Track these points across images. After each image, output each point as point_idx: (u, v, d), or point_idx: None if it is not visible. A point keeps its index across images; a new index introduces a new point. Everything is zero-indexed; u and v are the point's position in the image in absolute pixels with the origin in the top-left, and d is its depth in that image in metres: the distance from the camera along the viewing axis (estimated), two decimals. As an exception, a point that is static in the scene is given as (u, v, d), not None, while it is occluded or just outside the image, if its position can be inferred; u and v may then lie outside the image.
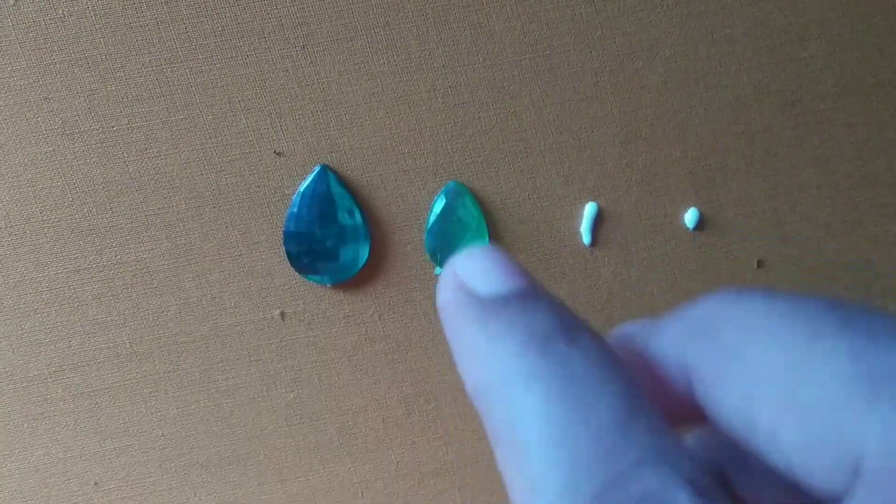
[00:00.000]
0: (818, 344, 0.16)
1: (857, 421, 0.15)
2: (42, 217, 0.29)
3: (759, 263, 0.31)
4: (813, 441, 0.16)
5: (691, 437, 0.21)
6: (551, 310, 0.20)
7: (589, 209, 0.30)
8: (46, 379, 0.30)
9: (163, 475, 0.31)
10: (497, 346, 0.19)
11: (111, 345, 0.30)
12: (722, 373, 0.17)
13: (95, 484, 0.30)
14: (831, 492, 0.16)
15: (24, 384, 0.30)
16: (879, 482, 0.14)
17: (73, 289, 0.29)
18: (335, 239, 0.30)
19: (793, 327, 0.17)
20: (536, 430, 0.17)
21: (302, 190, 0.29)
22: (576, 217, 0.31)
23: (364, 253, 0.30)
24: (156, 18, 0.28)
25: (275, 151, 0.29)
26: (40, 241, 0.29)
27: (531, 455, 0.17)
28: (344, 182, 0.30)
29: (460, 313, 0.21)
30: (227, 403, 0.30)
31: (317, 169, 0.29)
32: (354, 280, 0.30)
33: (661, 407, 0.18)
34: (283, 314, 0.30)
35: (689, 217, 0.31)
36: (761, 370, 0.17)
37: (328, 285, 0.30)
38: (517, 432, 0.17)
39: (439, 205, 0.30)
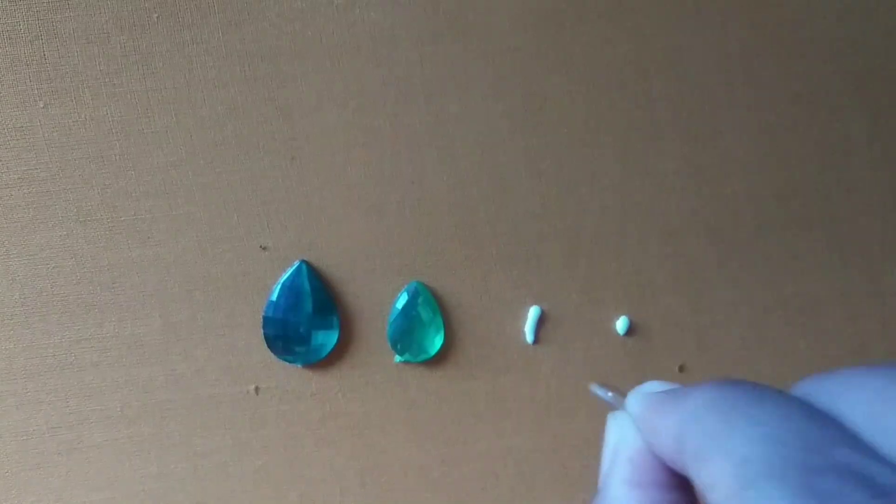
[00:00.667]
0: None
1: None
2: (52, 291, 0.32)
3: (681, 368, 0.34)
4: None
5: None
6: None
7: (533, 312, 0.33)
8: (44, 434, 0.32)
9: (140, 526, 0.33)
10: (687, 398, 0.21)
11: (103, 407, 0.32)
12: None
13: (79, 531, 0.33)
14: None
15: (24, 438, 0.32)
16: None
17: (74, 356, 0.32)
18: (308, 326, 0.32)
19: (875, 378, 0.19)
20: (739, 429, 0.18)
21: (282, 281, 0.32)
22: (521, 318, 0.33)
23: (333, 339, 0.32)
24: (165, 127, 0.31)
25: (261, 246, 0.32)
26: (49, 312, 0.32)
27: (736, 450, 0.18)
28: (319, 276, 0.33)
29: (654, 402, 0.24)
30: (202, 466, 0.32)
31: (296, 264, 0.32)
32: (323, 362, 0.33)
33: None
34: (257, 389, 0.32)
35: (621, 324, 0.33)
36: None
37: (299, 366, 0.33)
38: (718, 440, 0.19)
39: (402, 301, 0.33)
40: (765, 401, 0.20)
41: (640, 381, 0.33)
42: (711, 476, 0.19)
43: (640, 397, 0.25)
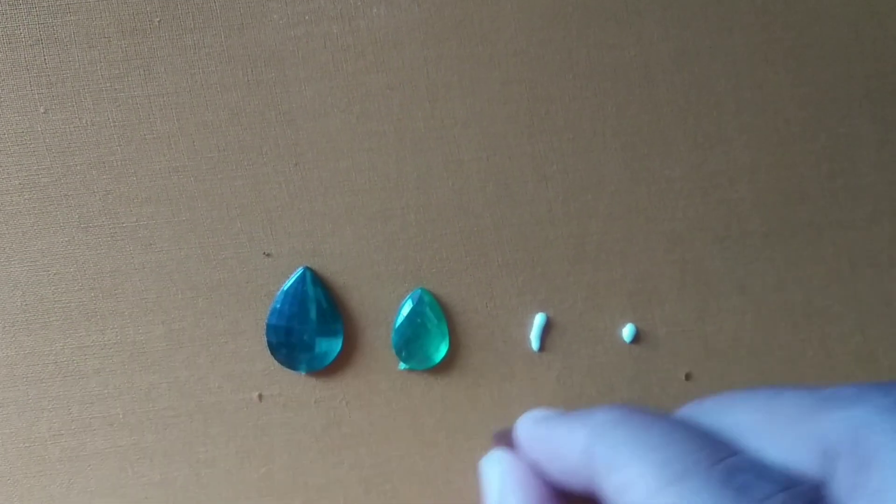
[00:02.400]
0: (780, 396, 0.21)
1: (816, 427, 0.19)
2: (54, 298, 0.30)
3: (687, 376, 0.32)
4: (790, 448, 0.20)
5: None
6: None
7: (538, 319, 0.32)
8: (46, 441, 0.30)
9: (143, 534, 0.31)
10: (592, 416, 0.24)
11: (105, 414, 0.30)
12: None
13: (82, 539, 0.31)
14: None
15: (26, 445, 0.30)
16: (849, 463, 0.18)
17: (76, 363, 0.30)
18: (311, 333, 0.30)
19: (756, 396, 0.22)
20: (650, 439, 0.21)
21: (285, 288, 0.30)
22: (526, 325, 0.32)
23: (336, 347, 0.31)
24: (167, 132, 0.30)
25: (264, 253, 0.31)
26: (51, 319, 0.30)
27: (652, 454, 0.20)
28: (323, 283, 0.31)
29: (547, 425, 0.27)
30: (204, 473, 0.31)
31: (300, 270, 0.31)
32: (327, 370, 0.31)
33: None
34: (260, 396, 0.31)
35: (627, 331, 0.32)
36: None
37: (303, 373, 0.31)
38: (631, 448, 0.21)
39: (406, 308, 0.31)
40: (662, 419, 0.22)
41: (646, 390, 0.32)
42: (627, 479, 0.20)
43: (534, 421, 0.27)
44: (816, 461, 0.19)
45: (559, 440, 0.25)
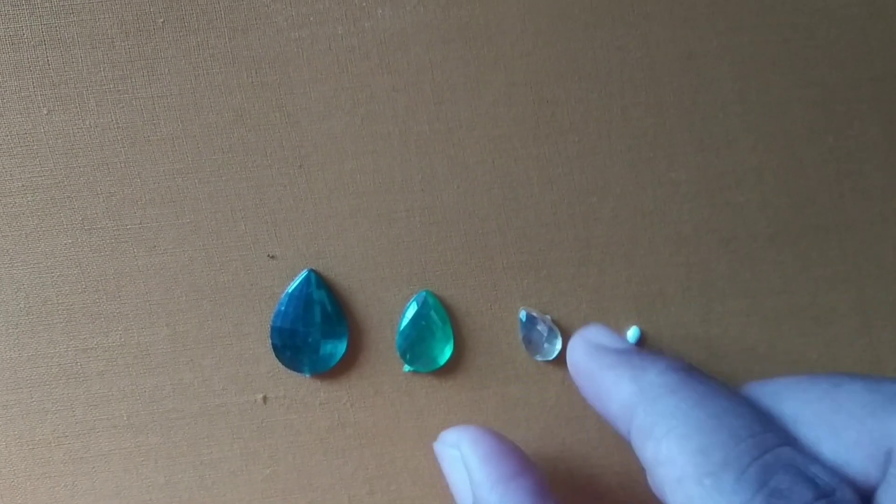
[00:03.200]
0: (841, 387, 0.20)
1: (882, 425, 0.18)
2: (58, 300, 0.30)
3: None
4: (850, 447, 0.19)
5: None
6: (678, 356, 0.24)
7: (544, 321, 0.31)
8: (50, 444, 0.30)
9: (147, 536, 0.31)
10: (645, 372, 0.22)
11: (110, 417, 0.30)
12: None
13: (86, 540, 0.30)
14: (869, 482, 0.19)
15: (30, 448, 0.30)
16: None
17: (80, 365, 0.30)
18: (316, 335, 0.30)
19: (817, 384, 0.21)
20: (697, 419, 0.19)
21: (290, 291, 0.30)
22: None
23: (341, 349, 0.30)
24: (171, 134, 0.29)
25: (268, 255, 0.30)
26: (54, 321, 0.30)
27: (695, 434, 0.19)
28: (328, 285, 0.31)
29: (602, 359, 0.25)
30: (209, 475, 0.30)
31: (304, 273, 0.30)
32: (331, 372, 0.30)
33: None
34: (265, 398, 0.30)
35: (631, 334, 0.31)
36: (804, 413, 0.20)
37: (307, 375, 0.30)
38: (675, 423, 0.20)
39: (411, 311, 0.30)
40: (718, 394, 0.20)
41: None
42: (663, 455, 0.19)
43: (586, 351, 0.25)
44: (876, 462, 0.18)
45: (605, 386, 0.24)
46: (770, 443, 0.19)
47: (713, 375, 0.22)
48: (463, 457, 0.25)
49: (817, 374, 0.22)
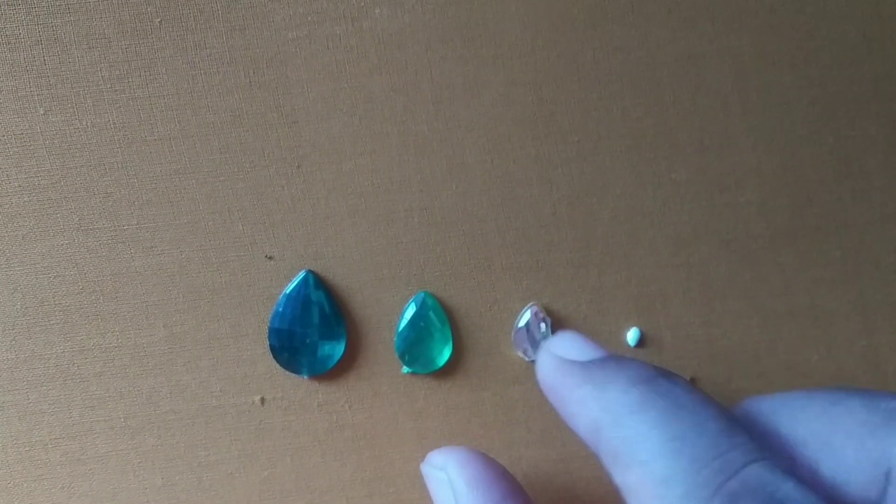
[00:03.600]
0: (840, 404, 0.19)
1: (881, 445, 0.18)
2: (54, 301, 0.29)
3: (692, 380, 0.31)
4: (849, 467, 0.18)
5: None
6: (642, 362, 0.23)
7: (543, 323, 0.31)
8: (47, 445, 0.30)
9: (145, 538, 0.30)
10: (606, 390, 0.21)
11: (107, 418, 0.30)
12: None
13: (83, 542, 0.30)
14: (869, 502, 0.18)
15: (27, 449, 0.29)
16: None
17: (77, 366, 0.29)
18: (314, 337, 0.30)
19: (815, 401, 0.20)
20: (658, 443, 0.19)
21: (288, 292, 0.30)
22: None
23: (339, 350, 0.30)
24: (168, 134, 0.29)
25: (266, 256, 0.30)
26: (51, 322, 0.29)
27: (656, 462, 0.18)
28: (326, 286, 0.31)
29: (567, 376, 0.24)
30: (207, 477, 0.30)
31: (302, 273, 0.30)
32: (329, 373, 0.30)
33: None
34: (263, 400, 0.30)
35: (631, 335, 0.31)
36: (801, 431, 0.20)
37: (305, 377, 0.30)
38: (637, 448, 0.19)
39: (410, 311, 0.30)
40: (681, 409, 0.19)
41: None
42: (629, 485, 0.19)
43: (553, 365, 0.24)
44: (875, 482, 0.18)
45: (571, 406, 0.23)
46: (736, 463, 0.18)
47: (679, 379, 0.21)
48: (450, 480, 0.25)
49: (815, 390, 0.21)
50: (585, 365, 0.23)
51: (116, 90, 0.29)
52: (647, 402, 0.20)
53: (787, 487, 0.17)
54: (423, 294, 0.30)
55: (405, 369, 0.30)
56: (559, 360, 0.24)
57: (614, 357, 0.23)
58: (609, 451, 0.20)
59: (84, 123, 0.29)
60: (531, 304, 0.30)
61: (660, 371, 0.21)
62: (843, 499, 0.19)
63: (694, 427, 0.19)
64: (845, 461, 0.19)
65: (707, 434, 0.19)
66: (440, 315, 0.30)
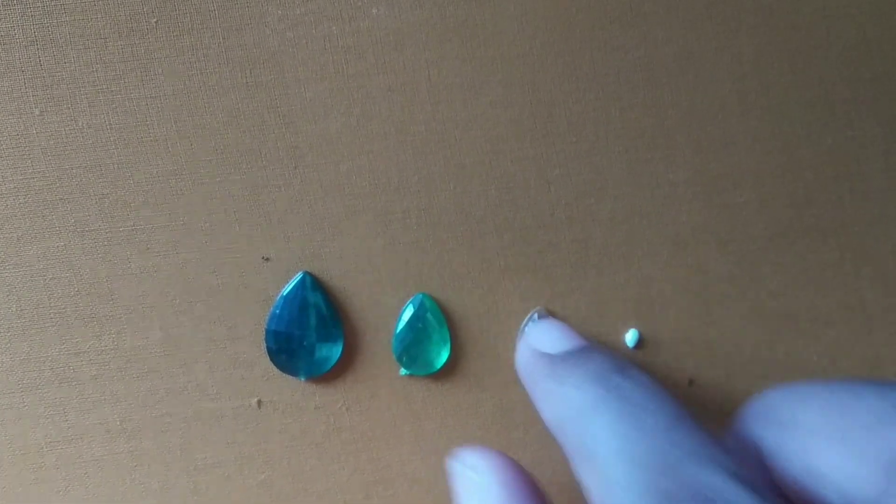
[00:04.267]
0: (854, 395, 0.19)
1: (890, 436, 0.18)
2: (50, 303, 0.29)
3: (691, 382, 0.31)
4: (855, 457, 0.18)
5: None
6: (604, 356, 0.23)
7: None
8: (42, 449, 0.29)
9: (141, 542, 0.30)
10: (565, 387, 0.22)
11: (103, 421, 0.29)
12: (784, 442, 0.20)
13: (79, 546, 0.29)
14: (877, 492, 0.18)
15: (22, 452, 0.29)
16: None
17: (73, 369, 0.29)
18: (311, 338, 0.29)
19: (823, 396, 0.20)
20: (604, 441, 0.19)
21: (285, 293, 0.29)
22: None
23: (336, 352, 0.29)
24: (164, 135, 0.28)
25: (263, 257, 0.29)
26: (47, 324, 0.29)
27: (602, 460, 0.19)
28: (323, 287, 0.30)
29: (536, 369, 0.24)
30: (203, 480, 0.30)
31: (299, 275, 0.29)
32: (327, 375, 0.30)
33: None
34: (259, 402, 0.30)
35: (630, 337, 0.31)
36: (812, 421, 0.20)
37: (303, 379, 0.30)
38: (588, 445, 0.19)
39: (407, 313, 0.30)
40: (632, 407, 0.19)
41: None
42: (583, 481, 0.19)
43: (527, 357, 0.25)
44: (880, 476, 0.18)
45: (536, 397, 0.24)
46: (680, 466, 0.17)
47: (635, 374, 0.21)
48: (483, 484, 0.24)
49: (828, 382, 0.21)
50: (552, 358, 0.24)
51: (112, 91, 0.28)
52: (600, 401, 0.20)
53: (727, 489, 0.17)
54: (421, 295, 0.30)
55: (403, 371, 0.30)
56: (532, 351, 0.25)
57: (581, 350, 0.24)
58: (566, 450, 0.21)
59: (80, 124, 0.28)
60: (537, 308, 0.30)
61: (618, 366, 0.22)
62: (852, 488, 0.18)
63: (637, 427, 0.19)
64: (849, 454, 0.18)
65: (650, 434, 0.19)
66: (438, 317, 0.30)
